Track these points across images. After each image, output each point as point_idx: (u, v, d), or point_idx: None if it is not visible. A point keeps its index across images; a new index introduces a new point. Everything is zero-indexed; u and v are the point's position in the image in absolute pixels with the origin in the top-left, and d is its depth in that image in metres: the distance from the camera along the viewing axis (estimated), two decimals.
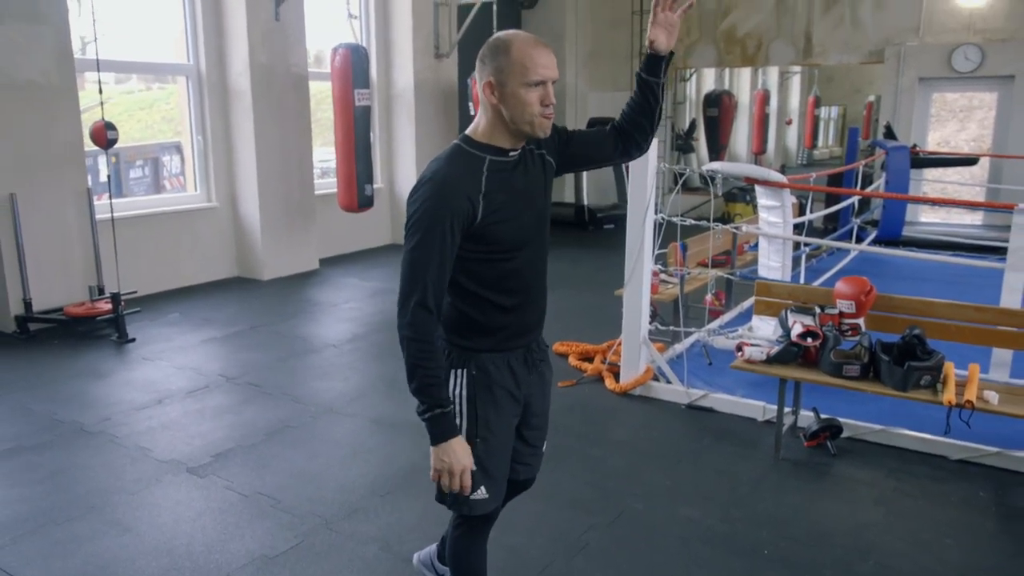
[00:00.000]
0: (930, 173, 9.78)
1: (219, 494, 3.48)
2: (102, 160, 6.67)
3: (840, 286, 3.84)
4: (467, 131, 2.03)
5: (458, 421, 2.04)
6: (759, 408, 4.29)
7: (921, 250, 7.48)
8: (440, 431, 1.95)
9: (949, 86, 10.04)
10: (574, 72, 11.95)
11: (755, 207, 5.84)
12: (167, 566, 2.94)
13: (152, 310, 6.43)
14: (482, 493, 2.09)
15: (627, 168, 4.58)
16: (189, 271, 7.33)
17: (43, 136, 5.95)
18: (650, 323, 4.90)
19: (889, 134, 9.58)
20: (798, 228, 6.38)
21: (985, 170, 9.95)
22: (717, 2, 11.16)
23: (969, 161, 9.57)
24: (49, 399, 4.60)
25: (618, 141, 2.20)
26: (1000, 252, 4.53)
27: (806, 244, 6.66)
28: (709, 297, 5.71)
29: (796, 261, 6.61)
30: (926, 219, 10.23)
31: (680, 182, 5.14)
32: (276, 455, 3.88)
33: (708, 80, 13.90)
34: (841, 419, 3.95)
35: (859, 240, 8.70)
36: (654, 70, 2.10)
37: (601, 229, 10.81)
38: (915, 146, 9.31)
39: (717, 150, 13.00)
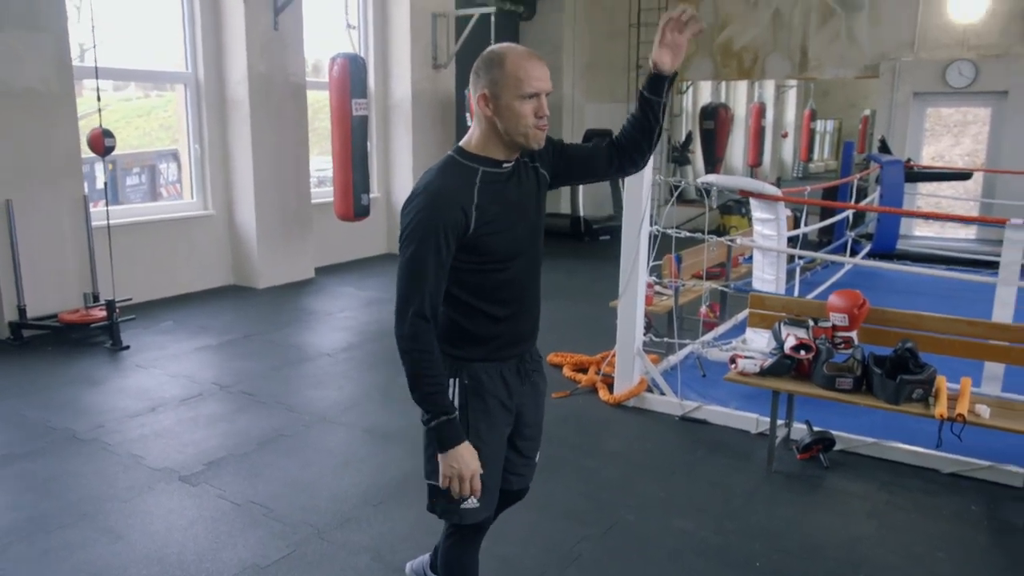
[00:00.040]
0: (924, 187, 9.84)
1: (211, 503, 3.47)
2: (99, 167, 6.68)
3: (833, 299, 3.85)
4: (461, 143, 2.04)
5: None
6: (752, 420, 4.29)
7: (915, 264, 7.51)
8: (447, 438, 1.96)
9: (943, 101, 10.12)
10: (571, 83, 12.00)
11: (750, 220, 5.86)
12: (158, 574, 2.93)
13: (147, 318, 6.42)
14: (473, 502, 2.09)
15: (623, 180, 4.60)
16: (184, 279, 7.33)
17: (40, 143, 5.96)
18: (644, 335, 4.91)
19: (884, 148, 9.63)
20: (793, 241, 6.40)
21: (979, 184, 10.01)
22: (714, 16, 11.23)
23: (963, 176, 9.62)
24: (42, 406, 4.59)
25: (614, 157, 2.21)
26: (993, 266, 4.55)
27: (800, 257, 6.68)
28: (704, 309, 5.71)
29: (790, 274, 6.62)
30: (920, 233, 10.28)
31: (675, 194, 5.15)
32: (269, 464, 3.88)
33: (704, 93, 13.97)
34: (834, 432, 3.96)
35: (853, 253, 8.73)
36: (656, 89, 2.10)
37: (597, 240, 10.83)
38: (909, 160, 9.35)
39: (713, 162, 13.04)
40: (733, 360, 3.92)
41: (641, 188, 4.52)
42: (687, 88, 12.97)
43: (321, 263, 8.44)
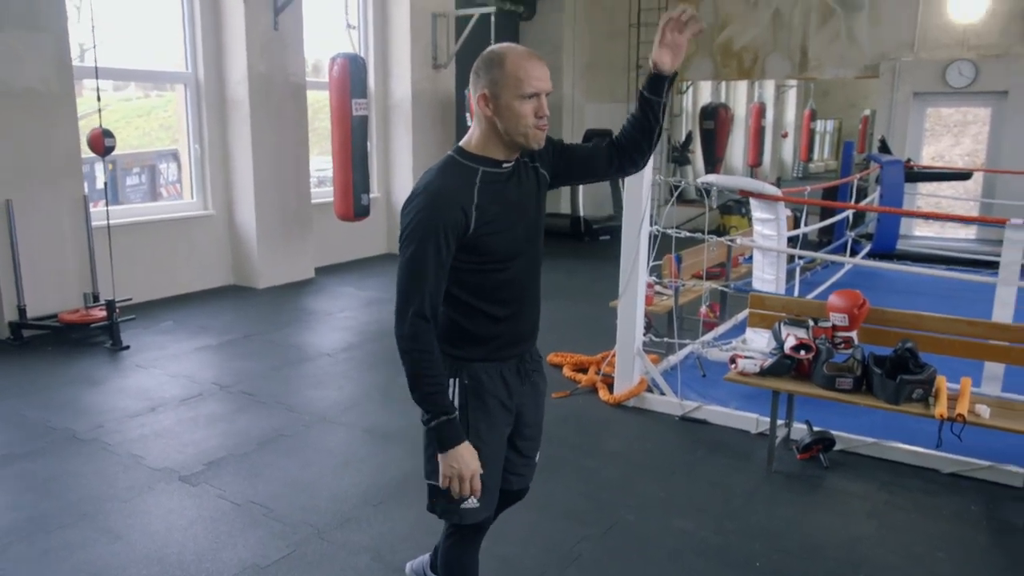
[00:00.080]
0: (924, 187, 9.84)
1: (211, 503, 3.47)
2: (99, 167, 6.68)
3: (833, 299, 3.85)
4: (461, 143, 2.04)
5: None
6: (752, 420, 4.29)
7: (915, 264, 7.51)
8: (447, 438, 1.97)
9: (943, 101, 10.12)
10: (571, 83, 12.01)
11: (750, 220, 5.86)
12: (158, 574, 2.93)
13: (147, 317, 6.42)
14: (473, 502, 2.09)
15: (622, 180, 4.60)
16: (184, 279, 7.33)
17: (40, 143, 5.96)
18: (644, 335, 4.91)
19: (884, 148, 9.63)
20: (792, 241, 6.40)
21: (979, 184, 10.01)
22: (714, 16, 11.23)
23: (963, 176, 9.63)
24: (42, 406, 4.59)
25: (613, 157, 2.21)
26: (993, 266, 4.55)
27: (800, 257, 6.68)
28: (704, 309, 5.71)
29: (790, 274, 6.62)
30: (920, 233, 10.28)
31: (675, 194, 5.15)
32: (269, 464, 3.88)
33: (705, 93, 13.97)
34: (834, 432, 3.96)
35: (853, 253, 8.73)
36: (656, 89, 2.10)
37: (597, 240, 10.83)
38: (909, 160, 9.36)
39: (713, 162, 13.04)
40: (733, 360, 3.92)
41: (641, 188, 4.52)
42: (687, 88, 12.97)
43: (321, 263, 8.44)
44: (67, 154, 6.14)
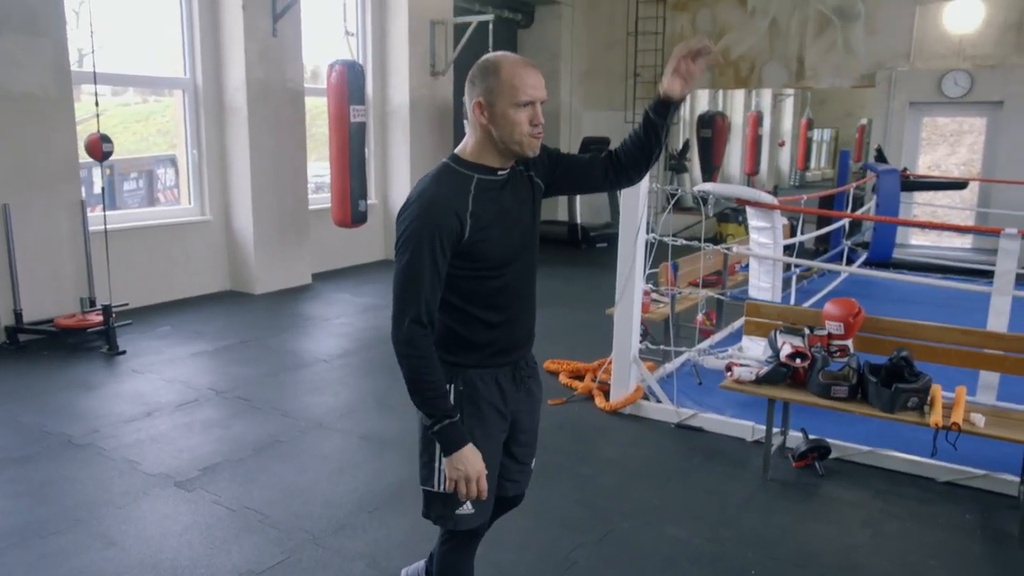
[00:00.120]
0: (920, 196, 9.87)
1: (206, 508, 3.47)
2: (96, 172, 6.68)
3: (829, 308, 3.86)
4: (456, 150, 2.05)
5: None
6: (748, 428, 4.30)
7: (911, 273, 7.53)
8: (451, 441, 1.98)
9: (939, 111, 10.16)
10: (569, 91, 12.04)
11: (747, 228, 5.88)
12: None
13: (143, 323, 6.42)
14: (468, 508, 2.10)
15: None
16: (181, 284, 7.33)
17: (38, 148, 5.96)
18: (641, 342, 4.92)
19: (880, 157, 9.67)
20: (789, 249, 6.42)
21: (975, 194, 10.05)
22: (711, 24, 11.28)
23: (959, 185, 9.66)
24: (38, 411, 4.58)
25: (609, 171, 2.22)
26: (989, 275, 4.57)
27: (797, 265, 6.70)
28: (700, 317, 5.73)
29: (787, 282, 6.64)
30: (916, 242, 10.31)
31: (672, 202, 5.17)
32: (264, 470, 3.87)
33: (702, 101, 14.02)
34: (829, 440, 3.96)
35: (850, 262, 8.75)
36: (662, 113, 2.10)
37: (594, 247, 10.85)
38: (905, 169, 9.40)
39: (710, 171, 13.08)
40: (729, 368, 3.93)
41: (638, 196, 4.54)
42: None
43: (318, 269, 8.44)
44: (65, 159, 6.14)
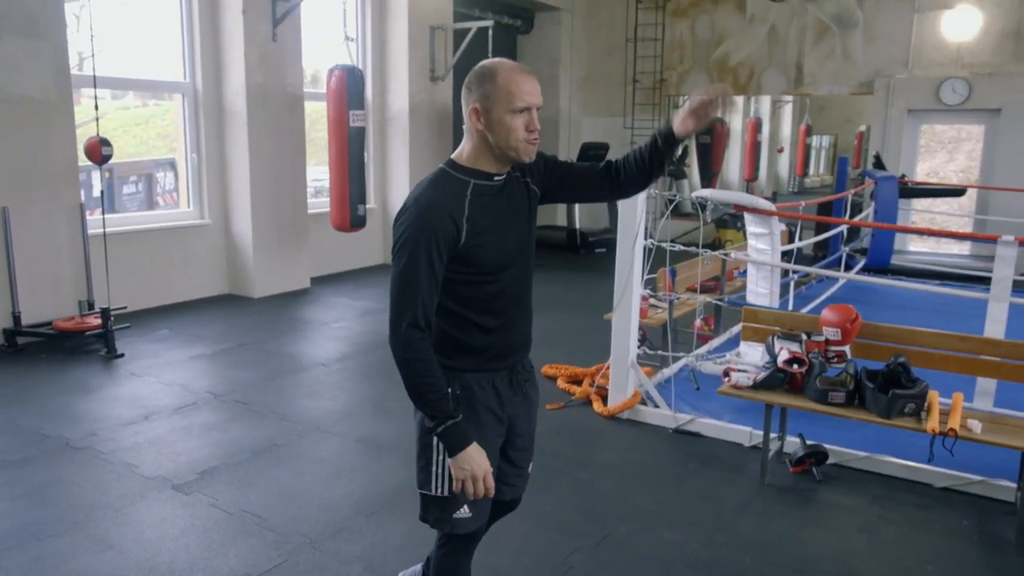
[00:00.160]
0: (919, 203, 9.89)
1: (204, 512, 3.47)
2: (96, 175, 6.69)
3: (826, 314, 3.87)
4: (452, 155, 2.07)
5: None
6: (746, 433, 4.30)
7: (909, 279, 7.55)
8: (456, 441, 1.98)
9: (937, 118, 10.19)
10: (568, 97, 12.07)
11: (746, 234, 5.90)
12: None
13: (142, 326, 6.42)
14: (465, 512, 2.10)
15: None
16: (180, 287, 7.33)
17: (38, 151, 5.97)
18: (639, 347, 4.93)
19: (878, 164, 9.69)
20: (787, 255, 6.43)
21: (973, 201, 10.07)
22: (711, 31, 11.32)
23: (957, 192, 9.68)
24: (36, 414, 4.58)
25: (606, 183, 2.23)
26: (987, 282, 4.58)
27: (795, 271, 6.71)
28: (698, 322, 5.74)
29: (785, 288, 6.65)
30: (915, 248, 10.33)
31: (670, 208, 5.18)
32: (262, 473, 3.87)
33: None
34: (827, 445, 3.96)
35: (848, 268, 8.77)
36: (671, 144, 2.13)
37: (593, 253, 10.86)
38: (903, 176, 9.42)
39: (709, 177, 13.09)
40: (726, 373, 3.94)
41: (636, 202, 4.55)
42: (684, 103, 13.05)
43: (317, 273, 8.45)
44: (64, 162, 6.15)
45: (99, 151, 5.73)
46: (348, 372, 5.53)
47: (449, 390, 2.05)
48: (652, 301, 5.54)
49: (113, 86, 7.24)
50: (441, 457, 2.07)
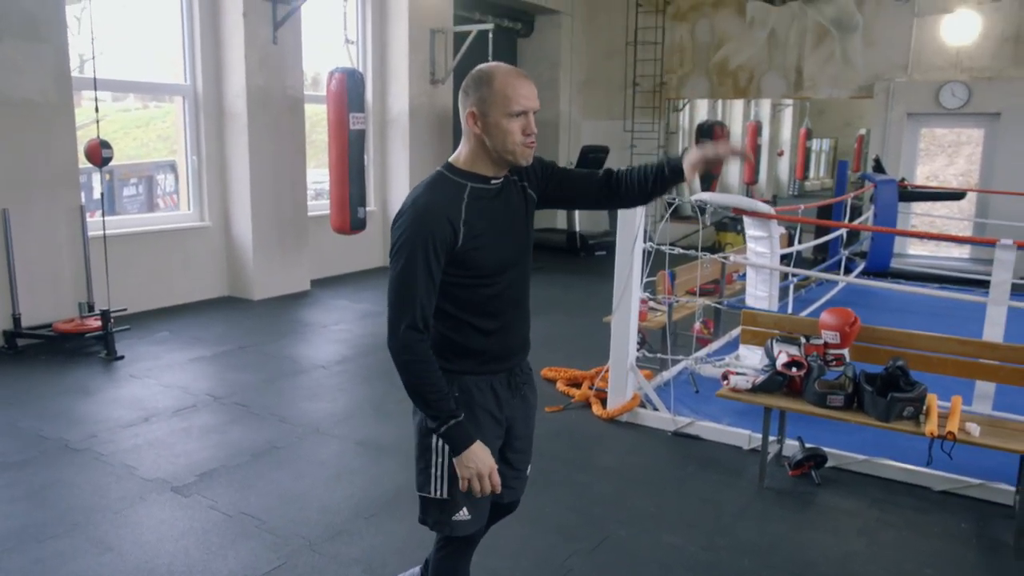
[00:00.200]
0: (919, 206, 9.90)
1: (203, 514, 3.47)
2: (96, 177, 6.70)
3: (825, 317, 3.88)
4: (450, 159, 2.08)
5: (439, 443, 2.06)
6: (745, 436, 4.30)
7: (908, 282, 7.56)
8: (459, 441, 1.99)
9: (937, 122, 10.20)
10: (568, 100, 12.09)
11: (745, 237, 5.90)
12: None
13: (142, 328, 6.42)
14: (464, 514, 2.11)
15: None
16: (180, 290, 7.33)
17: (38, 153, 5.98)
18: (638, 350, 4.93)
19: (878, 168, 9.70)
20: (787, 258, 6.44)
21: (973, 204, 10.08)
22: (710, 35, 11.34)
23: (956, 195, 9.70)
24: (35, 415, 4.58)
25: (604, 192, 2.25)
26: (987, 285, 4.58)
27: (794, 274, 6.71)
28: (697, 325, 5.74)
29: (784, 291, 6.66)
30: (915, 252, 10.34)
31: (670, 211, 5.18)
32: (261, 475, 3.88)
33: (701, 110, 14.07)
34: (826, 448, 3.97)
35: (848, 271, 8.77)
36: (678, 177, 2.17)
37: (592, 255, 10.87)
38: (903, 180, 9.43)
39: (709, 180, 13.10)
40: (725, 376, 3.94)
41: None
42: (684, 106, 13.07)
43: (317, 275, 8.46)
44: (64, 164, 6.16)
45: (99, 153, 5.74)
46: (348, 374, 5.53)
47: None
48: (651, 304, 5.54)
49: (114, 88, 7.25)
50: (440, 459, 2.08)
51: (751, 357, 4.82)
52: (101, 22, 6.58)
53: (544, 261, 10.08)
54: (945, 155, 10.45)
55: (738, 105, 15.02)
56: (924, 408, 3.49)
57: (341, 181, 7.42)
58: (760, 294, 5.52)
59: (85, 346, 5.90)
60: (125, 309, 6.45)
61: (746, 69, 11.21)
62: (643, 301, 5.19)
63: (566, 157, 11.85)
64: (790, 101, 15.97)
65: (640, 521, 3.50)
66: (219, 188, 7.63)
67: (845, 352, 3.81)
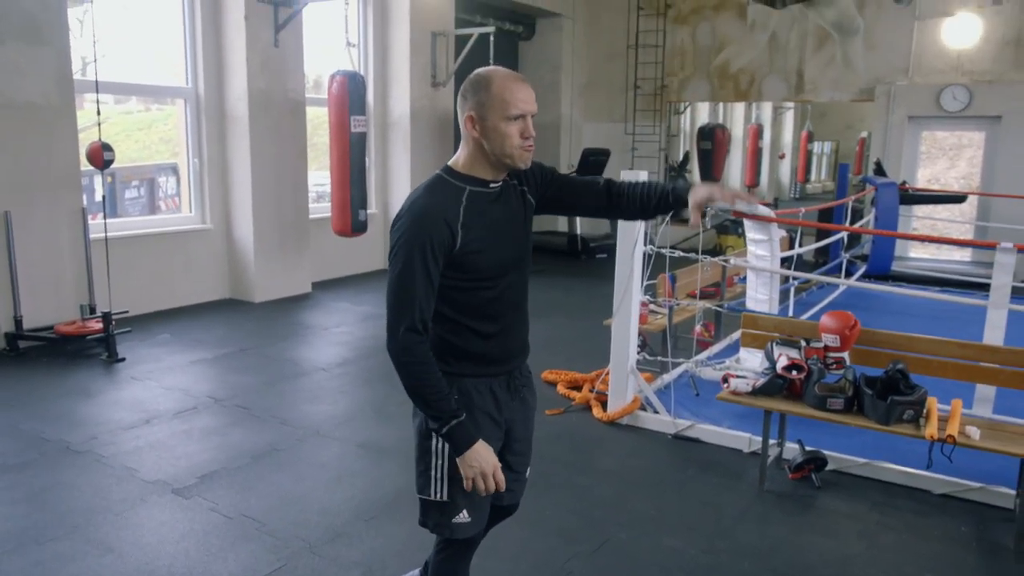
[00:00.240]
0: (920, 209, 9.91)
1: (203, 516, 3.48)
2: (98, 180, 6.71)
3: (825, 320, 3.88)
4: (449, 162, 2.09)
5: (439, 445, 2.06)
6: (745, 439, 4.31)
7: (909, 285, 7.55)
8: (462, 440, 1.99)
9: (938, 125, 10.21)
10: (569, 103, 12.10)
11: (746, 240, 5.90)
12: None
13: (143, 330, 6.43)
14: (464, 517, 2.11)
15: None
16: (181, 292, 7.34)
17: (40, 156, 5.99)
18: (638, 353, 4.94)
19: (879, 171, 9.71)
20: (787, 261, 6.43)
21: (974, 207, 10.08)
22: (711, 38, 11.35)
23: (958, 199, 9.69)
24: (37, 417, 4.59)
25: (603, 202, 2.26)
26: (988, 288, 4.58)
27: (795, 277, 6.71)
28: (698, 328, 5.74)
29: (785, 294, 6.66)
30: (916, 255, 10.33)
31: (670, 214, 5.19)
32: (262, 478, 3.88)
33: (702, 113, 14.08)
34: (826, 452, 3.97)
35: (848, 274, 8.77)
36: (680, 206, 2.20)
37: (594, 258, 10.87)
38: (904, 183, 9.43)
39: (710, 183, 13.12)
40: (725, 379, 3.94)
41: None
42: (685, 109, 13.08)
43: (318, 278, 8.46)
44: (66, 167, 6.17)
45: (101, 156, 5.75)
46: (349, 377, 5.53)
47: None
48: (652, 307, 5.54)
49: (116, 91, 7.27)
50: (440, 462, 2.09)
51: (751, 360, 4.82)
52: (103, 25, 6.58)
53: (545, 264, 10.09)
54: (946, 158, 10.45)
55: (739, 108, 15.02)
56: (924, 411, 3.49)
57: (342, 184, 7.43)
58: (760, 297, 5.51)
59: (86, 348, 5.91)
60: (126, 311, 6.46)
61: (747, 72, 11.21)
62: (644, 304, 5.19)
63: (567, 160, 11.86)
64: (791, 104, 15.97)
65: (640, 524, 3.50)
66: (221, 191, 7.64)
67: (845, 355, 3.82)
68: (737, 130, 15.03)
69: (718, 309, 5.81)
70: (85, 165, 6.10)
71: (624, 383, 4.72)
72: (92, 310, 6.23)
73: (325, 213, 8.16)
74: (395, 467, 3.99)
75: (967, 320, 5.09)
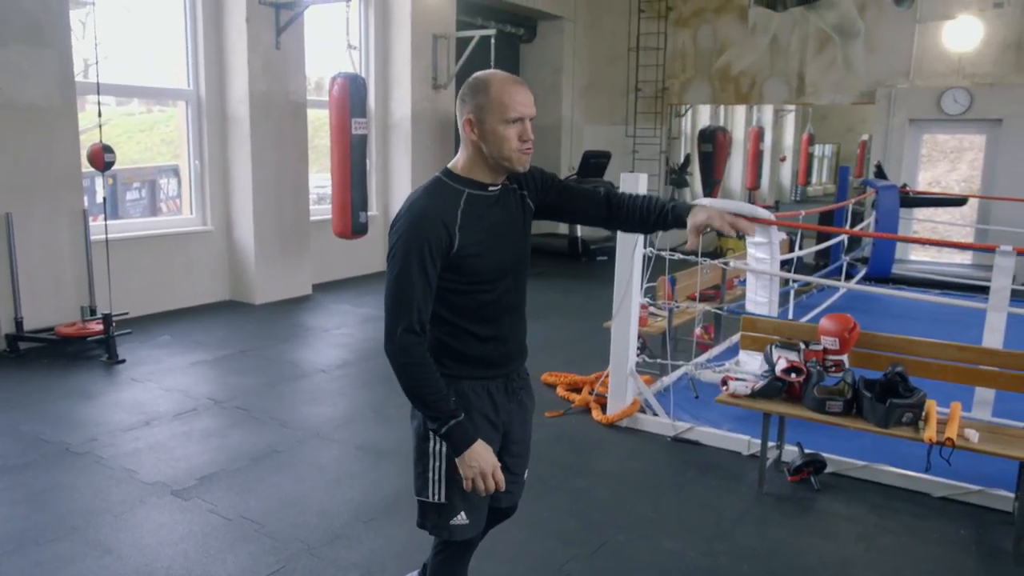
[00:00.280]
0: (921, 212, 9.91)
1: (202, 517, 3.48)
2: (99, 181, 6.72)
3: (824, 323, 3.88)
4: (448, 165, 2.09)
5: (437, 447, 2.07)
6: (744, 442, 4.31)
7: (910, 288, 7.55)
8: (461, 440, 1.99)
9: (939, 128, 10.22)
10: (570, 105, 12.11)
11: (746, 242, 5.91)
12: None
13: (143, 332, 6.44)
14: (462, 519, 2.12)
15: None
16: (182, 294, 7.35)
17: (41, 157, 6.00)
18: (638, 355, 4.94)
19: (880, 173, 9.71)
20: (787, 264, 6.44)
21: (974, 210, 10.08)
22: (712, 41, 11.36)
23: (958, 201, 9.70)
24: (36, 419, 4.60)
25: (602, 212, 2.26)
26: (988, 291, 4.58)
27: (795, 280, 6.72)
28: (698, 331, 5.74)
29: (785, 297, 6.66)
30: (916, 257, 10.34)
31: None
32: (261, 479, 3.88)
33: (703, 116, 14.09)
34: (825, 454, 3.97)
35: (849, 277, 8.77)
36: (679, 225, 2.19)
37: (594, 260, 10.88)
38: (905, 185, 9.43)
39: (711, 185, 13.12)
40: (725, 382, 3.94)
41: None
42: (686, 111, 13.09)
43: (318, 280, 8.47)
44: (67, 168, 6.18)
45: (102, 158, 5.76)
46: (349, 379, 5.54)
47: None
48: (652, 309, 5.55)
49: (117, 93, 7.28)
50: (438, 464, 2.09)
51: (751, 363, 4.83)
52: (105, 27, 6.60)
53: (545, 266, 10.09)
54: (947, 161, 10.46)
55: (740, 111, 15.04)
56: (923, 414, 3.49)
57: (343, 186, 7.44)
58: (760, 300, 5.52)
59: (87, 350, 5.92)
60: (127, 313, 6.47)
61: (748, 75, 11.22)
62: (643, 306, 5.20)
63: (568, 162, 11.87)
64: (792, 107, 15.99)
65: (639, 526, 3.50)
66: (222, 192, 7.65)
67: (844, 358, 3.81)
68: (738, 133, 15.05)
69: (718, 312, 5.81)
70: (86, 167, 6.11)
71: (624, 385, 4.72)
72: (92, 312, 6.24)
73: (326, 215, 8.17)
74: (394, 469, 4.00)
75: (967, 323, 5.09)
